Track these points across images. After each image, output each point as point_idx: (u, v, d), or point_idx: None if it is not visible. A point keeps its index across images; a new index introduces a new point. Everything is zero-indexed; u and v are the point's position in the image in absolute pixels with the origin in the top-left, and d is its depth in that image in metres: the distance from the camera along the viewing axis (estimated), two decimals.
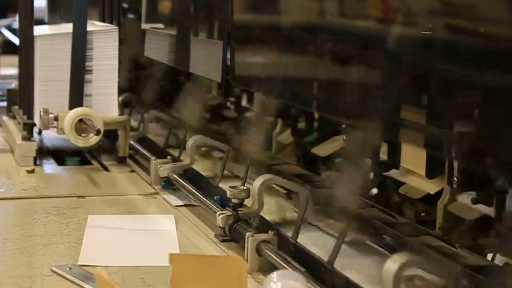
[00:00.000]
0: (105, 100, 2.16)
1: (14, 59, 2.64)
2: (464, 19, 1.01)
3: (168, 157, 1.99)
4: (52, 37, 2.20)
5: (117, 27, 2.20)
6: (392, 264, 1.05)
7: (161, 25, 2.15)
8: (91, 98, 2.15)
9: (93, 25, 2.22)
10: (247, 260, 1.38)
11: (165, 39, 2.08)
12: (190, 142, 1.86)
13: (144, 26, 2.23)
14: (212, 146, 2.03)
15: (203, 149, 2.21)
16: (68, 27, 2.18)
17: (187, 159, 1.90)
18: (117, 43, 2.16)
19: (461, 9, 1.01)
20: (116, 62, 2.17)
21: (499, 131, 0.95)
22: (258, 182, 1.48)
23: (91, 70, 2.16)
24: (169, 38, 2.05)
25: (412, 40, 1.09)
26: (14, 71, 3.40)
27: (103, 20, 2.33)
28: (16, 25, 3.48)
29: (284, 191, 1.77)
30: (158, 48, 2.16)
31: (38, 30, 2.25)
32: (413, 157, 1.47)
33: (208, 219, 1.66)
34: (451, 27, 1.03)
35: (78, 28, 2.13)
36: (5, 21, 5.00)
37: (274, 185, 1.67)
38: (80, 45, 2.13)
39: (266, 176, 1.50)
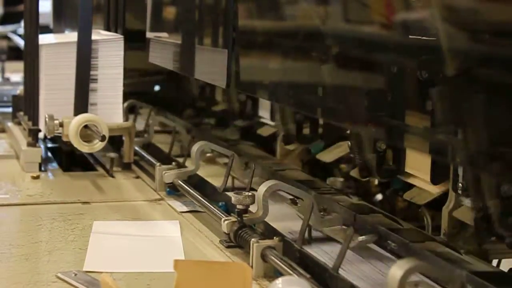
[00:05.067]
0: (110, 109, 2.16)
1: (19, 65, 2.65)
2: (467, 23, 1.01)
3: (173, 163, 2.00)
4: (57, 46, 2.21)
5: (122, 36, 2.20)
6: (397, 270, 1.05)
7: (165, 34, 2.16)
8: (96, 107, 2.16)
9: (98, 34, 2.23)
10: (252, 266, 1.38)
11: (170, 47, 2.08)
12: (194, 147, 1.86)
13: (149, 35, 2.24)
14: (217, 152, 2.03)
15: (208, 154, 2.21)
16: (73, 36, 2.19)
17: (191, 165, 1.90)
18: (122, 52, 2.17)
19: (464, 13, 1.01)
20: (121, 71, 2.18)
21: (504, 136, 0.95)
22: (263, 188, 1.48)
23: (96, 79, 2.16)
24: (174, 46, 2.05)
25: (416, 45, 1.09)
26: (19, 77, 3.42)
27: (108, 29, 2.33)
28: (21, 30, 3.49)
29: (289, 197, 1.77)
30: (162, 55, 2.17)
31: (43, 39, 2.26)
32: (418, 163, 1.47)
33: (213, 225, 1.66)
34: (456, 32, 1.03)
35: (83, 37, 2.14)
36: (10, 27, 5.01)
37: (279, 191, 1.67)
38: (85, 54, 2.14)
39: (271, 182, 1.50)
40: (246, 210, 1.51)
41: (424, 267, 1.11)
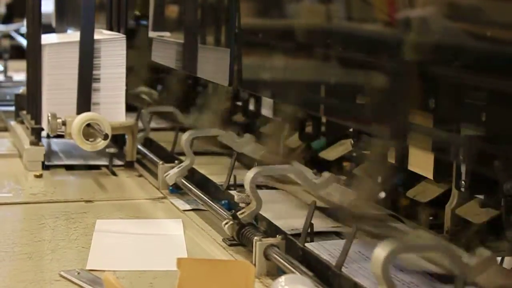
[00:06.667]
0: (112, 109, 2.17)
1: (22, 64, 2.65)
2: (471, 23, 1.01)
3: (176, 161, 2.00)
4: (60, 46, 2.21)
5: (124, 36, 2.20)
6: (381, 251, 1.03)
7: (168, 33, 2.16)
8: (99, 106, 2.16)
9: (101, 34, 2.23)
10: (254, 265, 1.38)
11: (172, 46, 2.08)
12: (184, 136, 1.83)
13: (151, 34, 2.24)
14: (206, 137, 2.01)
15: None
16: (76, 36, 2.19)
17: (187, 159, 1.88)
18: (124, 52, 2.17)
19: (467, 13, 1.01)
20: (124, 70, 2.18)
21: (507, 134, 0.95)
22: (250, 174, 1.42)
23: (98, 79, 2.17)
24: (176, 46, 2.05)
25: (420, 44, 1.09)
26: (22, 76, 3.42)
27: (110, 29, 2.33)
28: (24, 29, 3.50)
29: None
30: (165, 54, 2.17)
31: (46, 38, 2.26)
32: (421, 161, 1.47)
33: (215, 223, 1.66)
34: (460, 32, 1.03)
35: (85, 37, 2.14)
36: (13, 26, 5.02)
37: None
38: (88, 54, 2.14)
39: (257, 169, 1.47)
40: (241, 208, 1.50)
41: (409, 248, 1.09)
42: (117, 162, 2.20)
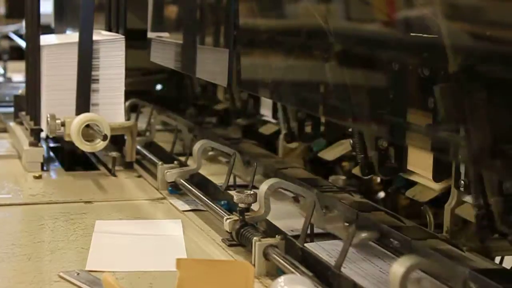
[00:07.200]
0: (111, 110, 2.17)
1: (21, 65, 2.65)
2: (471, 21, 1.01)
3: (175, 162, 2.00)
4: (59, 47, 2.21)
5: (123, 37, 2.20)
6: (399, 267, 1.05)
7: (167, 34, 2.16)
8: (98, 107, 2.16)
9: (100, 35, 2.23)
10: (254, 265, 1.38)
11: (171, 47, 2.08)
12: (196, 146, 1.86)
13: (150, 35, 2.24)
14: (218, 150, 2.03)
15: (210, 153, 2.21)
16: (74, 37, 2.19)
17: (193, 164, 1.90)
18: (123, 52, 2.17)
19: (467, 11, 1.01)
20: (123, 71, 2.18)
21: (507, 134, 0.95)
22: (265, 186, 1.48)
23: (97, 80, 2.17)
24: (175, 46, 2.05)
25: (417, 42, 1.09)
26: (21, 77, 3.43)
27: (109, 29, 2.33)
28: (24, 30, 3.50)
29: (292, 195, 1.77)
30: (164, 55, 2.17)
31: (45, 39, 2.26)
32: (420, 161, 1.47)
33: (215, 223, 1.66)
34: (460, 31, 1.03)
35: (84, 38, 2.14)
36: (12, 27, 5.02)
37: (281, 189, 1.67)
38: (87, 55, 2.14)
39: (273, 180, 1.50)
40: (248, 209, 1.51)
41: (426, 264, 1.11)
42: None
